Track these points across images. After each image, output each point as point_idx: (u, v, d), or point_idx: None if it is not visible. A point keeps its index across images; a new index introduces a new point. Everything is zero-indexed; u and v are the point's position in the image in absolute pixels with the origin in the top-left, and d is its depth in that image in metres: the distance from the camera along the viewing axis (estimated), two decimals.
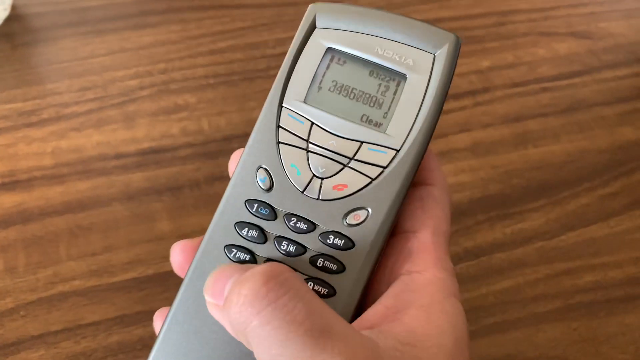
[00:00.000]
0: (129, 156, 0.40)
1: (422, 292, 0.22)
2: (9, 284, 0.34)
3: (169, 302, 0.33)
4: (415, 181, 0.26)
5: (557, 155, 0.43)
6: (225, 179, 0.40)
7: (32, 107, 0.43)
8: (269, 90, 0.48)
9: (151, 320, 0.34)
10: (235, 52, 0.47)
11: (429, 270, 0.22)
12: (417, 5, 0.52)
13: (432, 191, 0.25)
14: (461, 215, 0.39)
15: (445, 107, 0.48)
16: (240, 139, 0.42)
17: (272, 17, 0.50)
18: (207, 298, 0.21)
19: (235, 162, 0.25)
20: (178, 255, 0.25)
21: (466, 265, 0.37)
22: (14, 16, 0.49)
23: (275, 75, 0.49)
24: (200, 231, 0.37)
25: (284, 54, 0.53)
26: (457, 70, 0.49)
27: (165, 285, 0.35)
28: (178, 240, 0.34)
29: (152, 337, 0.33)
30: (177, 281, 0.30)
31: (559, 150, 0.43)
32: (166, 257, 0.36)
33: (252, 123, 0.43)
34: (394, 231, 0.24)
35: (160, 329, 0.23)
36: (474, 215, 0.39)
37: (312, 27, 0.25)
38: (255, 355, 0.19)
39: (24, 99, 0.43)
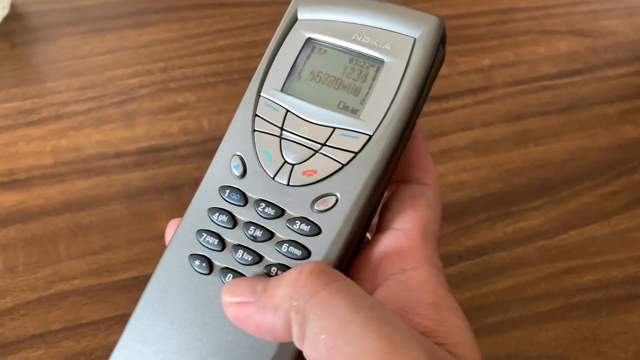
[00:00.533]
0: (129, 155, 0.40)
1: (422, 290, 0.21)
2: (8, 283, 0.34)
3: None
4: (407, 178, 0.26)
5: (558, 154, 0.43)
6: None
7: (31, 106, 0.43)
8: None
9: None
10: (235, 51, 0.47)
11: (422, 267, 0.22)
12: (418, 4, 0.52)
13: (425, 191, 0.24)
14: (462, 214, 0.39)
15: (445, 106, 0.48)
16: None
17: (271, 15, 0.50)
18: (232, 299, 0.21)
19: (172, 232, 0.25)
20: (170, 232, 0.25)
21: (467, 264, 0.37)
22: (14, 15, 0.49)
23: None
24: None
25: None
26: (458, 68, 0.49)
27: None
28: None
29: None
30: None
31: (560, 149, 0.43)
32: None
33: None
34: (381, 227, 0.24)
35: (135, 308, 0.23)
36: (474, 214, 0.39)
37: (294, 19, 0.25)
38: (313, 330, 0.19)
39: (24, 98, 0.43)
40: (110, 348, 0.33)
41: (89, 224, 0.37)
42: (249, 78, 0.45)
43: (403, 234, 0.23)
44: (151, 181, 0.39)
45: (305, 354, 0.19)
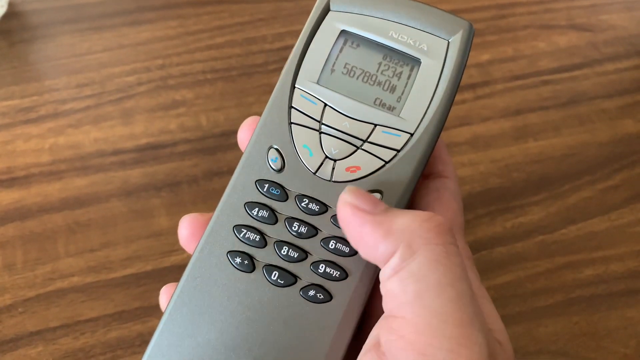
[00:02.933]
0: (127, 152, 0.40)
1: None
2: (7, 281, 0.34)
3: None
4: (429, 172, 0.26)
5: (558, 149, 0.43)
6: (224, 174, 0.40)
7: (29, 104, 0.43)
8: (267, 85, 0.48)
9: (150, 316, 0.34)
10: (233, 48, 0.47)
11: None
12: None
13: (448, 184, 0.25)
14: None
15: None
16: None
17: (270, 12, 0.49)
18: (354, 200, 0.20)
19: (246, 130, 0.24)
20: (185, 228, 0.24)
21: None
22: (12, 13, 0.49)
23: (274, 70, 0.49)
24: None
25: (283, 49, 0.53)
26: None
27: (164, 281, 0.35)
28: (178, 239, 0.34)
29: (151, 333, 0.33)
30: (175, 277, 0.30)
31: (560, 144, 0.43)
32: (165, 253, 0.36)
33: None
34: None
35: (166, 308, 0.23)
36: (474, 209, 0.39)
37: (326, 10, 0.25)
38: (413, 272, 0.19)
39: (22, 96, 0.43)
40: (109, 345, 0.33)
41: (87, 222, 0.37)
42: (248, 75, 0.46)
43: None
44: (149, 178, 0.39)
45: (386, 287, 0.19)
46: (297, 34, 0.47)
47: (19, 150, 0.40)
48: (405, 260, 0.19)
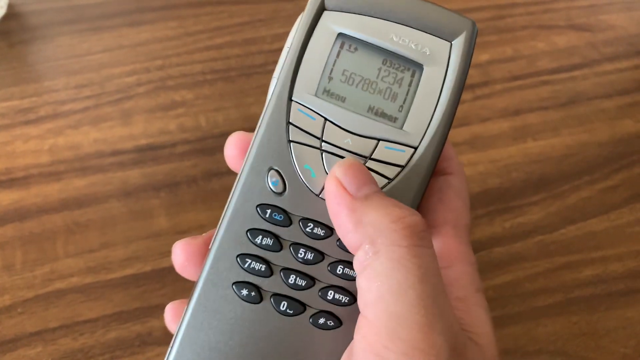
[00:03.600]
0: (126, 153, 0.40)
1: (454, 286, 0.22)
2: (6, 281, 0.34)
3: (166, 298, 0.33)
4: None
5: (557, 149, 0.43)
6: (223, 175, 0.40)
7: (29, 105, 0.43)
8: (266, 86, 0.48)
9: (149, 316, 0.34)
10: (232, 48, 0.47)
11: (456, 266, 0.22)
12: None
13: (451, 181, 0.24)
14: None
15: None
16: None
17: (269, 12, 0.49)
18: (341, 175, 0.20)
19: (232, 147, 0.24)
20: (179, 255, 0.24)
21: None
22: (11, 14, 0.49)
23: (272, 72, 0.49)
24: (198, 227, 0.38)
25: (282, 49, 0.52)
26: None
27: (163, 282, 0.35)
28: (177, 239, 0.34)
29: (150, 334, 0.33)
30: (174, 277, 0.30)
31: (559, 144, 0.43)
32: (164, 254, 0.36)
33: (249, 119, 0.43)
34: None
35: (173, 343, 0.22)
36: (473, 210, 0.39)
37: (321, 9, 0.23)
38: (375, 272, 0.18)
39: (21, 97, 0.43)
40: (108, 345, 0.33)
41: (86, 222, 0.37)
42: (247, 75, 0.46)
43: (435, 232, 0.23)
44: (149, 179, 0.39)
45: (357, 282, 0.19)
46: None
47: (18, 151, 0.40)
48: (369, 258, 0.19)
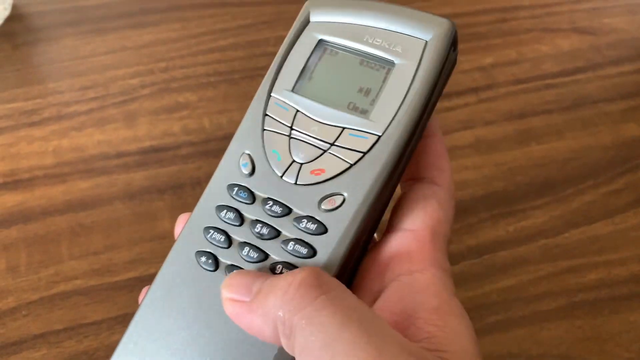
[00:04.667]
0: (130, 155, 0.40)
1: (427, 292, 0.21)
2: (10, 284, 0.34)
3: None
4: (422, 176, 0.25)
5: (561, 152, 0.43)
6: None
7: (33, 107, 0.43)
8: None
9: None
10: (236, 50, 0.47)
11: (429, 269, 0.22)
12: (418, 3, 0.52)
13: (438, 192, 0.24)
14: (464, 213, 0.39)
15: (447, 105, 0.48)
16: None
17: (272, 14, 0.49)
18: (229, 294, 0.21)
19: (181, 227, 0.25)
20: (180, 228, 0.25)
21: (469, 263, 0.37)
22: (15, 16, 0.49)
23: None
24: None
25: None
26: (460, 67, 0.48)
27: None
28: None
29: None
30: None
31: (563, 147, 0.43)
32: None
33: None
34: (391, 227, 0.24)
35: (141, 302, 0.24)
36: (477, 213, 0.39)
37: (306, 22, 0.25)
38: (300, 345, 0.18)
39: (26, 99, 0.43)
40: (112, 348, 0.33)
41: (90, 224, 0.37)
42: (250, 77, 0.46)
43: (412, 235, 0.23)
44: (153, 181, 0.39)
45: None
46: None
47: (22, 152, 0.40)
48: (289, 337, 0.19)
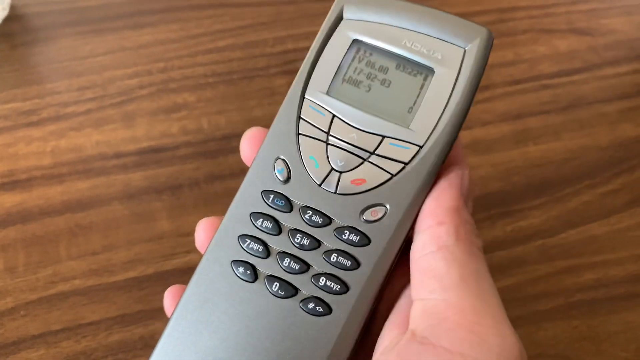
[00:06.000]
0: (129, 155, 0.40)
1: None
2: (9, 284, 0.35)
3: None
4: (443, 175, 0.25)
5: (558, 153, 0.43)
6: (225, 178, 0.40)
7: (31, 107, 0.43)
8: (269, 88, 0.48)
9: (152, 319, 0.34)
10: (234, 51, 0.47)
11: None
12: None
13: (449, 172, 0.25)
14: None
15: None
16: (239, 138, 0.41)
17: (271, 15, 0.50)
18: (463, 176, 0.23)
19: (246, 140, 0.25)
20: (202, 232, 0.25)
21: None
22: (13, 16, 0.49)
23: (275, 74, 0.49)
24: None
25: (284, 52, 0.53)
26: None
27: (166, 285, 0.34)
28: (180, 242, 0.35)
29: (153, 336, 0.33)
30: (177, 280, 0.30)
31: (560, 148, 0.43)
32: (166, 256, 0.36)
33: (252, 121, 0.43)
34: (419, 226, 0.24)
35: (172, 314, 0.23)
36: (474, 213, 0.39)
37: (339, 19, 0.24)
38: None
39: (24, 99, 0.43)
40: (110, 348, 0.33)
41: (89, 224, 0.37)
42: (249, 78, 0.46)
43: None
44: (151, 181, 0.39)
45: (428, 264, 0.20)
46: (298, 37, 0.48)
47: (20, 153, 0.40)
48: (450, 240, 0.20)
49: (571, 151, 0.43)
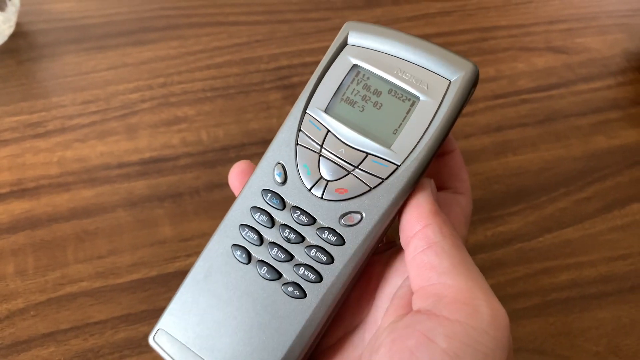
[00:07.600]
0: (132, 165, 0.43)
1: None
2: (19, 286, 0.36)
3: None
4: (447, 187, 0.29)
5: (535, 163, 0.45)
6: (224, 186, 0.42)
7: (38, 119, 0.45)
8: (264, 102, 0.50)
9: (155, 318, 0.36)
10: (231, 67, 0.49)
11: None
12: (403, 23, 0.55)
13: (461, 200, 0.28)
14: None
15: None
16: (237, 149, 0.44)
17: (266, 33, 0.52)
18: (432, 193, 0.26)
19: (234, 176, 0.29)
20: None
21: None
22: (19, 33, 0.51)
23: (270, 89, 0.52)
24: (201, 235, 0.40)
25: (278, 68, 0.55)
26: None
27: (168, 286, 0.37)
28: (181, 247, 0.37)
29: None
30: (179, 282, 0.32)
31: (537, 158, 0.46)
32: (168, 260, 0.38)
33: (248, 134, 0.45)
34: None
35: (183, 281, 0.27)
36: None
37: (344, 44, 0.27)
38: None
39: (30, 112, 0.45)
40: (117, 345, 0.35)
41: (94, 230, 0.39)
42: (245, 93, 0.48)
43: None
44: (153, 190, 0.41)
45: (421, 260, 0.23)
46: (291, 54, 0.50)
47: (28, 163, 0.42)
48: (437, 237, 0.23)
49: (548, 161, 0.46)
